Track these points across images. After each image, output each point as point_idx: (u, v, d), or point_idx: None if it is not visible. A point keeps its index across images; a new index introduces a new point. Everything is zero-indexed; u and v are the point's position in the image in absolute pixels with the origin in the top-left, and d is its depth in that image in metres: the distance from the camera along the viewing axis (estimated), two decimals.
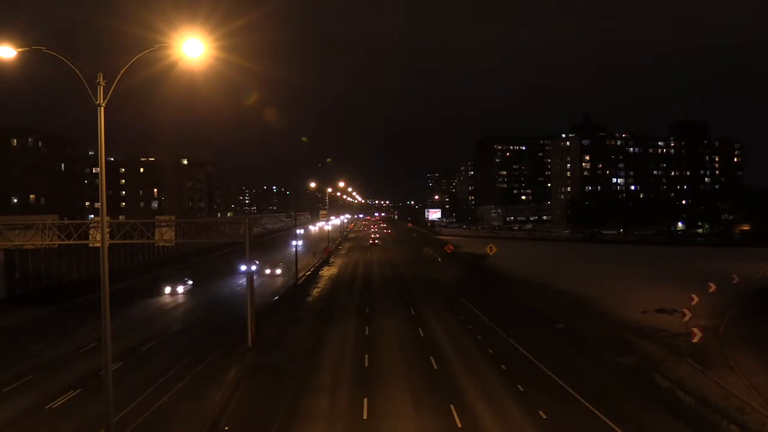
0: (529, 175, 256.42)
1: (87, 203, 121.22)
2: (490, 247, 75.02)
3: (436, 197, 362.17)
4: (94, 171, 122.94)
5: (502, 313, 49.26)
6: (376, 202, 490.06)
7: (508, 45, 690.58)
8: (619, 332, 39.82)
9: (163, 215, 68.02)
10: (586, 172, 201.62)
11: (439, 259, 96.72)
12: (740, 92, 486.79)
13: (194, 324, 48.22)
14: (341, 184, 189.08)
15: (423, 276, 77.80)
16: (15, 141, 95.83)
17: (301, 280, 70.24)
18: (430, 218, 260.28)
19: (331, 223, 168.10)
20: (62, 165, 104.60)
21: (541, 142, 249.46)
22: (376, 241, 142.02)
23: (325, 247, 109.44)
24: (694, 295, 43.98)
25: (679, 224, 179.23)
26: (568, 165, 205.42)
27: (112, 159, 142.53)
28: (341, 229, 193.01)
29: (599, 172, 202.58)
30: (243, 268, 65.50)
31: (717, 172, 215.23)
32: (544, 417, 24.97)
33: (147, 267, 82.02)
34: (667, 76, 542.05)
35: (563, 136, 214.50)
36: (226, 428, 24.46)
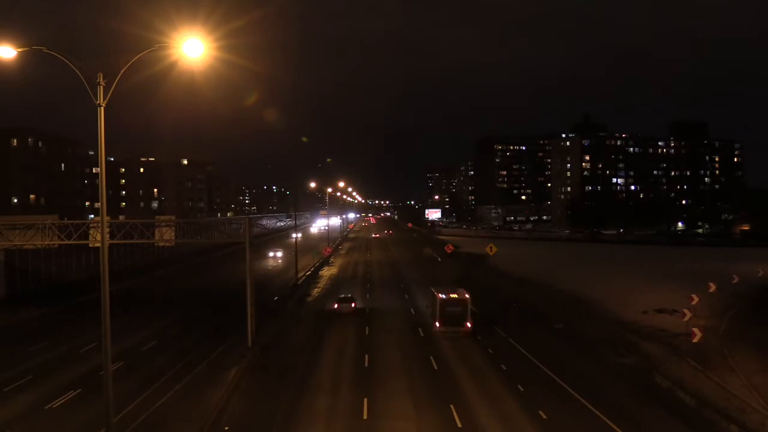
0: (529, 175, 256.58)
1: (87, 203, 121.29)
2: (490, 247, 74.98)
3: (436, 197, 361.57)
4: (94, 171, 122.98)
5: (501, 312, 49.22)
6: (376, 202, 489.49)
7: (508, 45, 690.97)
8: (620, 332, 39.84)
9: (163, 215, 67.92)
10: (586, 172, 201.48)
11: (440, 259, 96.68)
12: (740, 92, 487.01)
13: None
14: (341, 184, 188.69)
15: (423, 276, 77.67)
16: (15, 141, 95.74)
17: (301, 280, 70.16)
18: (430, 218, 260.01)
19: (323, 227, 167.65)
20: (62, 165, 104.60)
21: (541, 142, 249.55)
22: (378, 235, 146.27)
23: (324, 247, 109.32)
24: (694, 295, 44.09)
25: (679, 224, 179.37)
26: (568, 165, 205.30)
27: (112, 159, 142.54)
28: (341, 229, 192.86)
29: (599, 172, 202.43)
30: None
31: (717, 172, 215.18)
32: (545, 417, 24.98)
33: (147, 268, 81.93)
34: (667, 75, 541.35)
35: (563, 136, 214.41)
36: (226, 428, 24.46)
